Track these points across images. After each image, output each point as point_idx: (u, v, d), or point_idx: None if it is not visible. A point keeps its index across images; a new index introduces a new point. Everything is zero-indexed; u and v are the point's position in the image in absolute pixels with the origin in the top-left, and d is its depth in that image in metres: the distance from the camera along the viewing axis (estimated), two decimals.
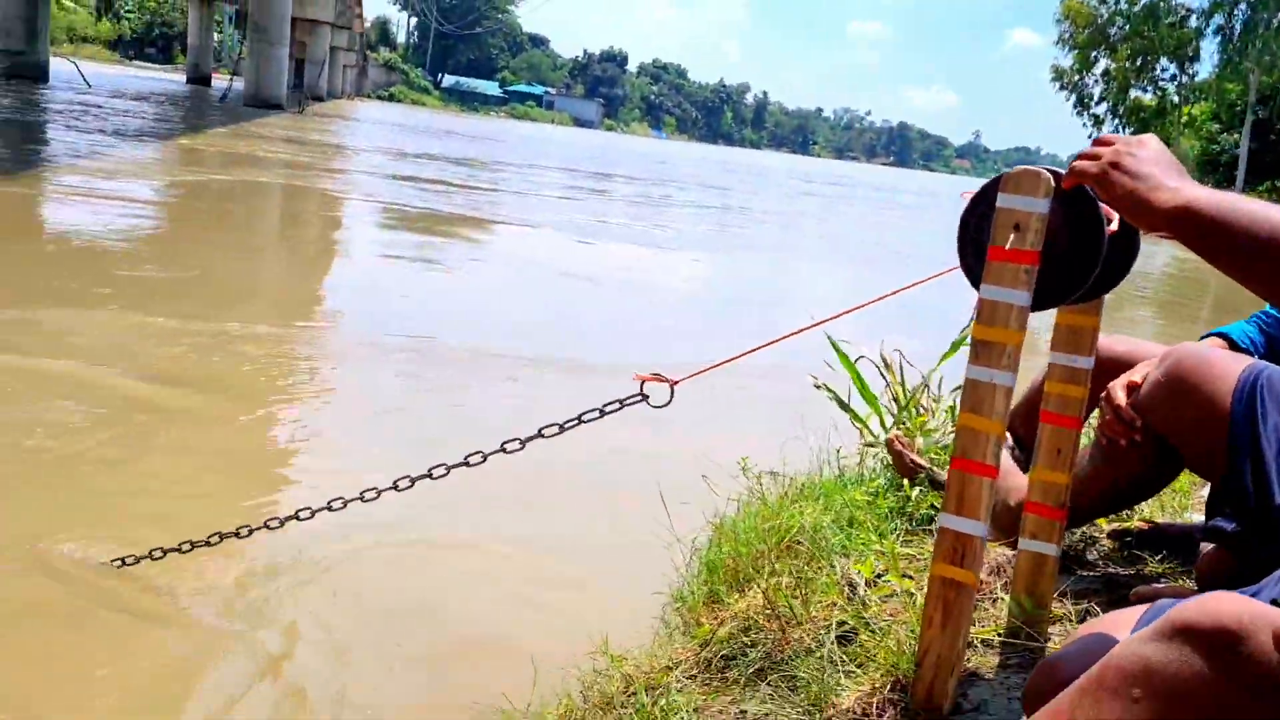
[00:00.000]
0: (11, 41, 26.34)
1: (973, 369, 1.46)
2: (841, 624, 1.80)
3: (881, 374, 2.95)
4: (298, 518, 2.28)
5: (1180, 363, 1.65)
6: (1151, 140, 1.28)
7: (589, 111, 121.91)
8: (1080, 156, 1.32)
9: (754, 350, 1.96)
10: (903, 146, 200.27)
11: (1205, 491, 2.03)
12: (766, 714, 1.66)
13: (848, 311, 1.99)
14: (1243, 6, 38.55)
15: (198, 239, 8.38)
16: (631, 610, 2.40)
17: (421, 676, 2.26)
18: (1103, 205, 1.40)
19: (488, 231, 11.80)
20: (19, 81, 25.24)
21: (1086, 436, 1.94)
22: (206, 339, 4.77)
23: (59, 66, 29.16)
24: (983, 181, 1.51)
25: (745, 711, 1.68)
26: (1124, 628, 1.16)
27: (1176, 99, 42.33)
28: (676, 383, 1.89)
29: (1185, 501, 2.44)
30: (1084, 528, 2.21)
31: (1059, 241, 1.43)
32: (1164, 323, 11.02)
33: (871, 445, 2.77)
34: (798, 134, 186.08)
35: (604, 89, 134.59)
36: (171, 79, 46.66)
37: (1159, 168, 1.22)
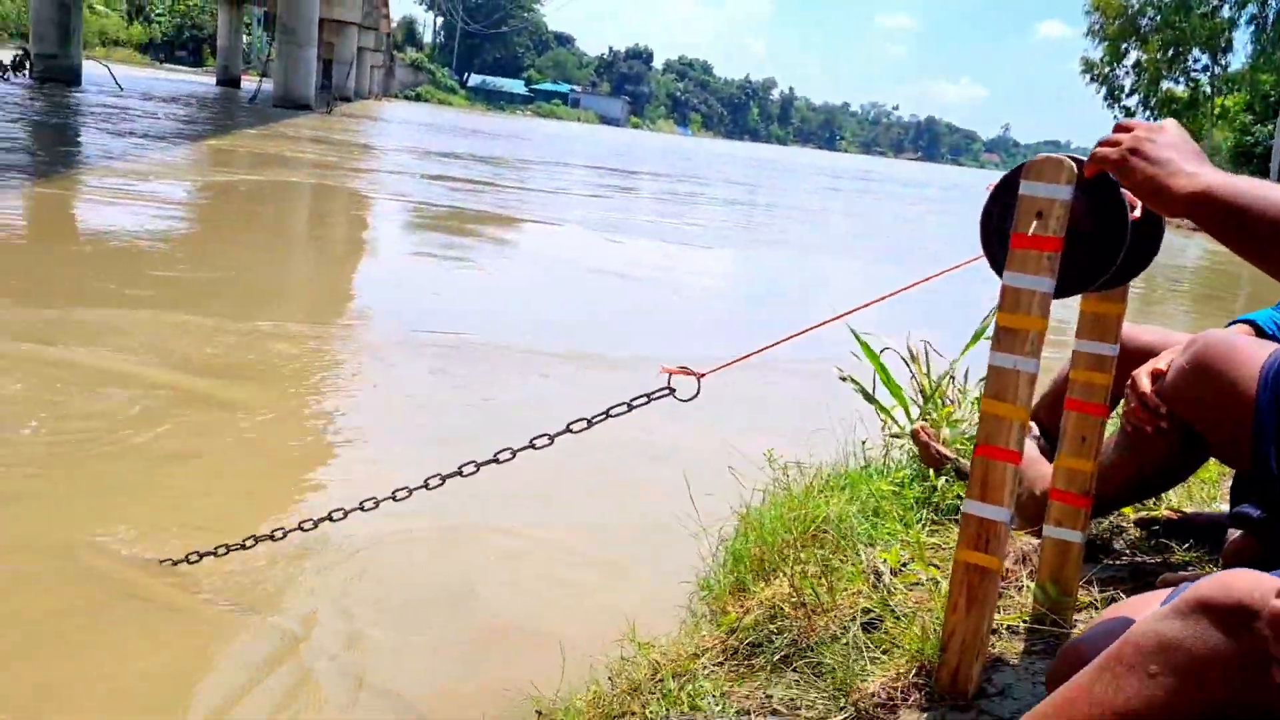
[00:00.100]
0: (45, 46, 26.72)
1: (996, 356, 1.47)
2: (867, 611, 1.81)
3: (907, 365, 2.95)
4: (330, 518, 2.31)
5: (1205, 349, 1.65)
6: (1171, 125, 1.28)
7: (615, 109, 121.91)
8: (1101, 143, 1.33)
9: (779, 343, 1.98)
10: (930, 141, 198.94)
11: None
12: (792, 699, 1.68)
13: (872, 303, 2.00)
14: None
15: (230, 239, 8.48)
16: (658, 599, 2.43)
17: (451, 662, 2.30)
18: (1126, 192, 1.41)
19: (516, 229, 11.86)
20: (53, 85, 25.61)
21: (1112, 425, 1.94)
22: (242, 338, 4.83)
23: (92, 70, 29.53)
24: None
25: (771, 697, 1.70)
26: (1148, 611, 1.17)
27: (1209, 90, 41.79)
28: (703, 376, 1.91)
29: (1214, 491, 2.43)
30: (1111, 517, 2.21)
31: (1082, 228, 1.44)
32: (1197, 315, 10.90)
33: (897, 436, 2.77)
34: (824, 129, 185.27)
35: (630, 86, 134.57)
36: (201, 81, 47.14)
37: (1178, 153, 1.23)
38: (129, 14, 69.95)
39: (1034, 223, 1.43)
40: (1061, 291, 1.47)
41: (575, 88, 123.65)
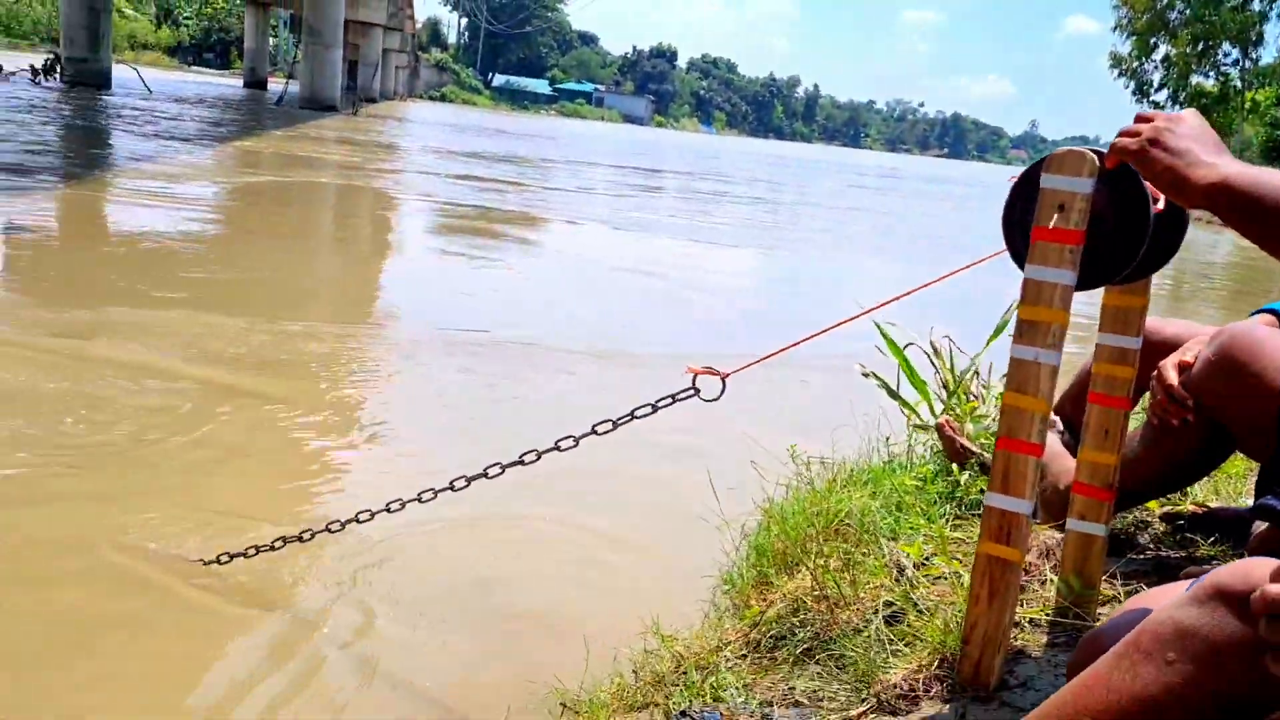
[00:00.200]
0: (75, 50, 27.07)
1: (1017, 348, 1.48)
2: (889, 604, 1.82)
3: (930, 360, 2.95)
4: (358, 520, 2.32)
5: (1231, 342, 1.64)
6: (1190, 116, 1.28)
7: (639, 108, 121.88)
8: (1121, 134, 1.33)
9: (803, 341, 1.99)
10: (957, 138, 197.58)
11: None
12: (815, 691, 1.69)
13: (896, 299, 2.00)
14: None
15: (259, 240, 8.56)
16: (682, 592, 2.44)
17: (475, 654, 2.32)
18: (1149, 185, 1.41)
19: (540, 228, 11.90)
20: (83, 88, 25.93)
21: (1136, 419, 1.94)
22: (272, 337, 4.88)
23: (121, 73, 29.89)
24: None
25: (794, 688, 1.71)
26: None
27: (1239, 84, 41.28)
28: (727, 375, 1.92)
29: (1240, 486, 2.42)
30: (1136, 511, 2.20)
31: (1105, 221, 1.44)
32: (1227, 312, 10.79)
33: (921, 428, 2.77)
34: (849, 127, 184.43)
35: (654, 85, 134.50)
36: (229, 83, 47.57)
37: (1197, 143, 1.23)
38: (157, 18, 70.71)
39: (1055, 216, 1.43)
40: (1083, 284, 1.47)
41: (599, 87, 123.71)
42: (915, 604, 1.79)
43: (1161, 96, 42.73)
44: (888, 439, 2.84)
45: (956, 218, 23.15)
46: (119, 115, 19.89)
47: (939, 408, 2.83)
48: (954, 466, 2.42)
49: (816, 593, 1.93)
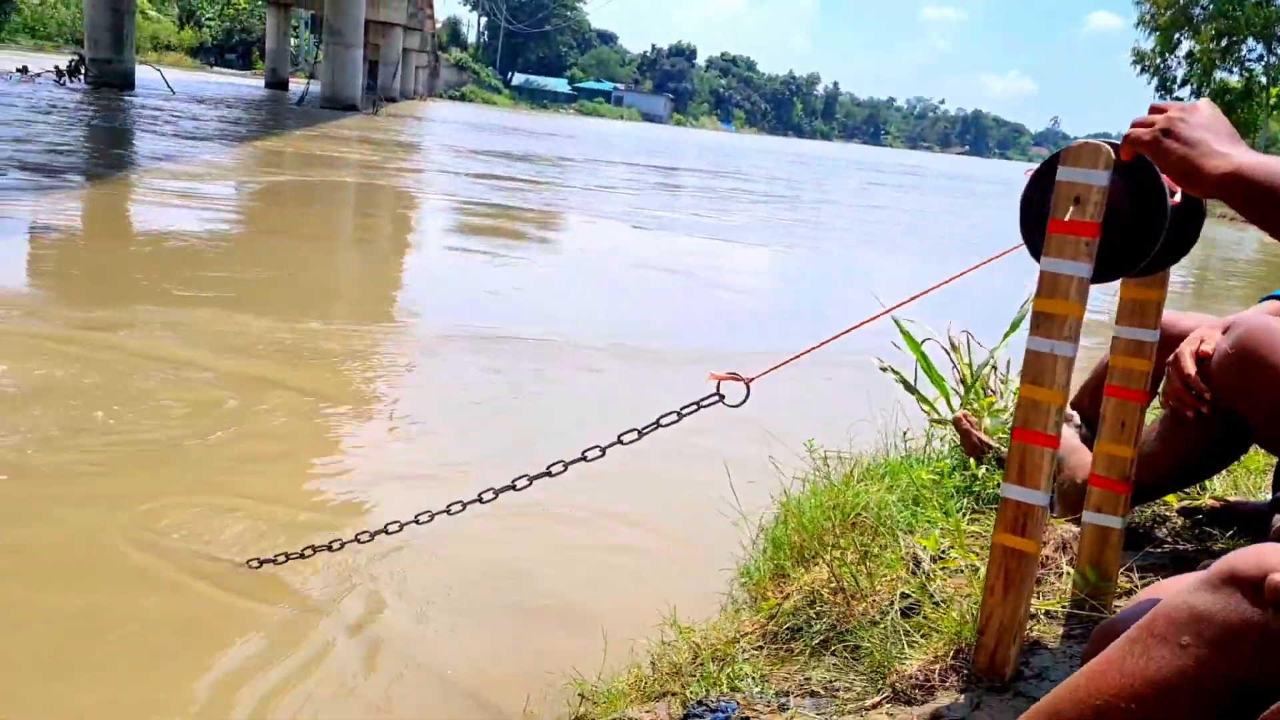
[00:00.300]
0: (99, 51, 27.32)
1: (1033, 340, 1.48)
2: (905, 597, 1.83)
3: (948, 355, 2.95)
4: (386, 531, 2.34)
5: (1248, 335, 1.64)
6: (1204, 105, 1.29)
7: (658, 106, 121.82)
8: (1135, 124, 1.33)
9: (826, 342, 2.00)
10: (978, 135, 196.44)
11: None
12: (831, 681, 1.70)
13: (916, 297, 2.01)
14: None
15: (282, 238, 8.62)
16: (699, 585, 2.45)
17: (496, 644, 2.34)
18: (1165, 177, 1.41)
19: (562, 226, 11.94)
20: (107, 89, 26.17)
21: (1153, 413, 1.93)
22: (299, 335, 4.92)
23: (144, 74, 30.10)
24: None
25: (810, 679, 1.72)
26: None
27: (1264, 80, 40.87)
28: (751, 381, 1.93)
29: (1260, 481, 2.41)
30: (1154, 505, 2.20)
31: (1121, 214, 1.44)
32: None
33: (939, 423, 2.78)
34: (869, 124, 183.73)
35: (672, 84, 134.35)
36: (250, 84, 47.87)
37: (1211, 133, 1.23)
38: (180, 19, 71.24)
39: (1071, 208, 1.43)
40: (1100, 277, 1.47)
41: (618, 86, 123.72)
42: (931, 596, 1.80)
43: (1185, 92, 42.34)
44: (905, 434, 2.85)
45: (977, 215, 23.04)
46: (142, 115, 20.06)
47: (956, 402, 2.84)
48: (971, 461, 2.42)
49: (833, 585, 1.95)
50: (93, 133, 15.93)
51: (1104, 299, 1.66)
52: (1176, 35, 41.98)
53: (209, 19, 73.41)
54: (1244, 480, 2.41)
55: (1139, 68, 43.52)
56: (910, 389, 2.91)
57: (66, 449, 3.23)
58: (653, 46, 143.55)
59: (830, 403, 4.46)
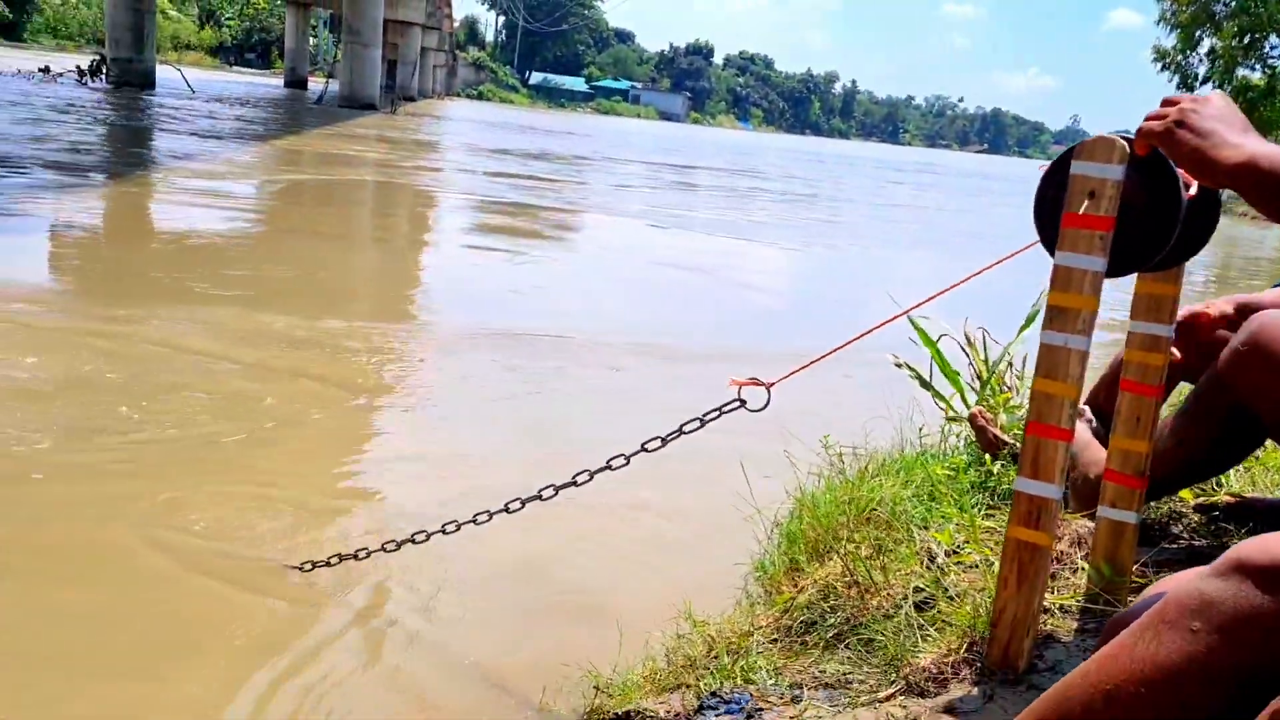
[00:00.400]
0: (121, 50, 27.53)
1: (1047, 334, 1.49)
2: (919, 591, 1.84)
3: (964, 351, 2.95)
4: (414, 540, 2.35)
5: (1262, 329, 1.64)
6: (1216, 97, 1.29)
7: (675, 105, 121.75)
8: (1148, 118, 1.34)
9: (846, 345, 2.00)
10: (997, 133, 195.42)
11: None
12: (844, 674, 1.71)
13: (933, 297, 2.02)
14: None
15: (302, 237, 8.68)
16: (714, 579, 2.47)
17: (512, 636, 2.36)
18: (1181, 173, 1.41)
19: (580, 224, 11.97)
20: (128, 88, 26.38)
21: (1167, 409, 1.93)
22: (319, 334, 4.95)
23: (164, 73, 30.32)
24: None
25: (824, 671, 1.73)
26: None
27: None
28: (771, 385, 1.94)
29: (1278, 478, 2.40)
30: (1170, 502, 2.19)
31: (1136, 208, 1.45)
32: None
33: (954, 420, 2.78)
34: (887, 123, 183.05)
35: (690, 82, 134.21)
36: (270, 83, 48.12)
37: (1223, 124, 1.23)
38: (200, 18, 71.70)
39: (1085, 202, 1.44)
40: (1114, 271, 1.47)
41: (635, 84, 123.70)
42: (945, 590, 1.80)
43: (1206, 90, 41.92)
44: (921, 430, 2.85)
45: (995, 213, 22.94)
46: (163, 115, 20.21)
47: (972, 399, 2.84)
48: (987, 457, 2.43)
49: (847, 579, 1.95)
50: (114, 131, 16.07)
51: (1125, 296, 1.67)
52: (1198, 32, 41.60)
53: (229, 19, 73.84)
54: (1262, 477, 2.40)
55: (1160, 65, 43.15)
56: (926, 385, 2.91)
57: (89, 443, 3.26)
58: (670, 45, 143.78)
59: (847, 400, 4.46)
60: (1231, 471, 2.29)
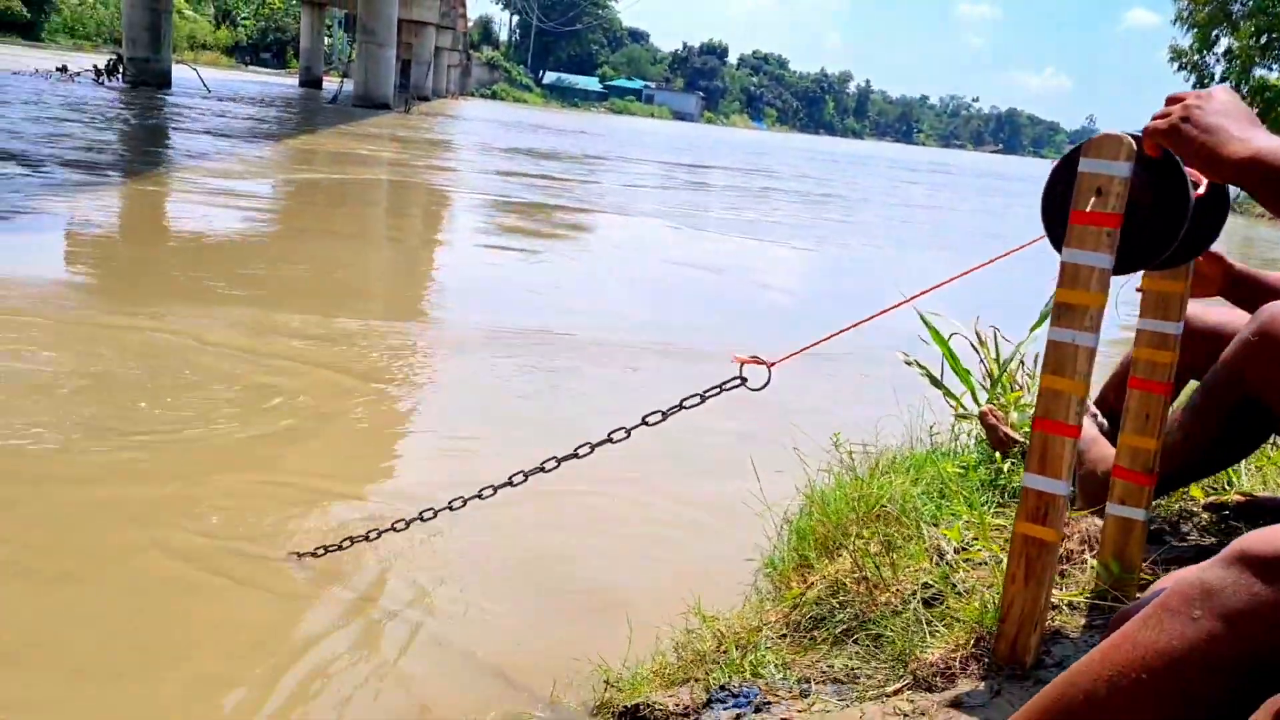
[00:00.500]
0: (137, 50, 27.70)
1: (1055, 331, 1.50)
2: (928, 587, 1.84)
3: (975, 349, 2.95)
4: (421, 518, 2.39)
5: (1273, 321, 1.64)
6: (1220, 92, 1.29)
7: (688, 105, 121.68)
8: (1154, 117, 1.34)
9: (848, 329, 2.02)
10: (1012, 133, 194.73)
11: None
12: (853, 669, 1.72)
13: (937, 286, 2.02)
14: None
15: (316, 235, 8.72)
16: (724, 575, 2.48)
17: (523, 629, 2.37)
18: (1190, 170, 1.42)
19: (595, 223, 11.99)
20: (145, 88, 26.54)
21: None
22: (334, 332, 4.98)
23: (181, 73, 30.48)
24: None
25: (832, 666, 1.74)
26: None
27: None
28: (774, 364, 1.96)
29: None
30: (1181, 501, 2.19)
31: (1144, 206, 1.45)
32: None
33: (964, 418, 2.78)
34: (901, 122, 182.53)
35: (703, 82, 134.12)
36: (285, 82, 48.32)
37: (1228, 119, 1.24)
38: (216, 18, 72.05)
39: (1093, 199, 1.44)
40: (1122, 268, 1.48)
41: (649, 84, 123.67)
42: (954, 587, 1.81)
43: None
44: (931, 428, 2.86)
45: (1010, 213, 22.86)
46: (179, 114, 20.33)
47: (983, 397, 2.84)
48: (997, 455, 2.43)
49: (856, 575, 1.96)
50: (131, 130, 16.17)
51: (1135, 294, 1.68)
52: (1215, 32, 41.33)
53: (244, 18, 74.18)
54: (1273, 476, 2.40)
55: (1176, 65, 42.90)
56: (936, 384, 2.92)
57: (107, 439, 3.30)
58: (684, 44, 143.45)
59: (858, 398, 4.47)
60: (1243, 470, 2.29)
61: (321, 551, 2.51)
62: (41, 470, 3.02)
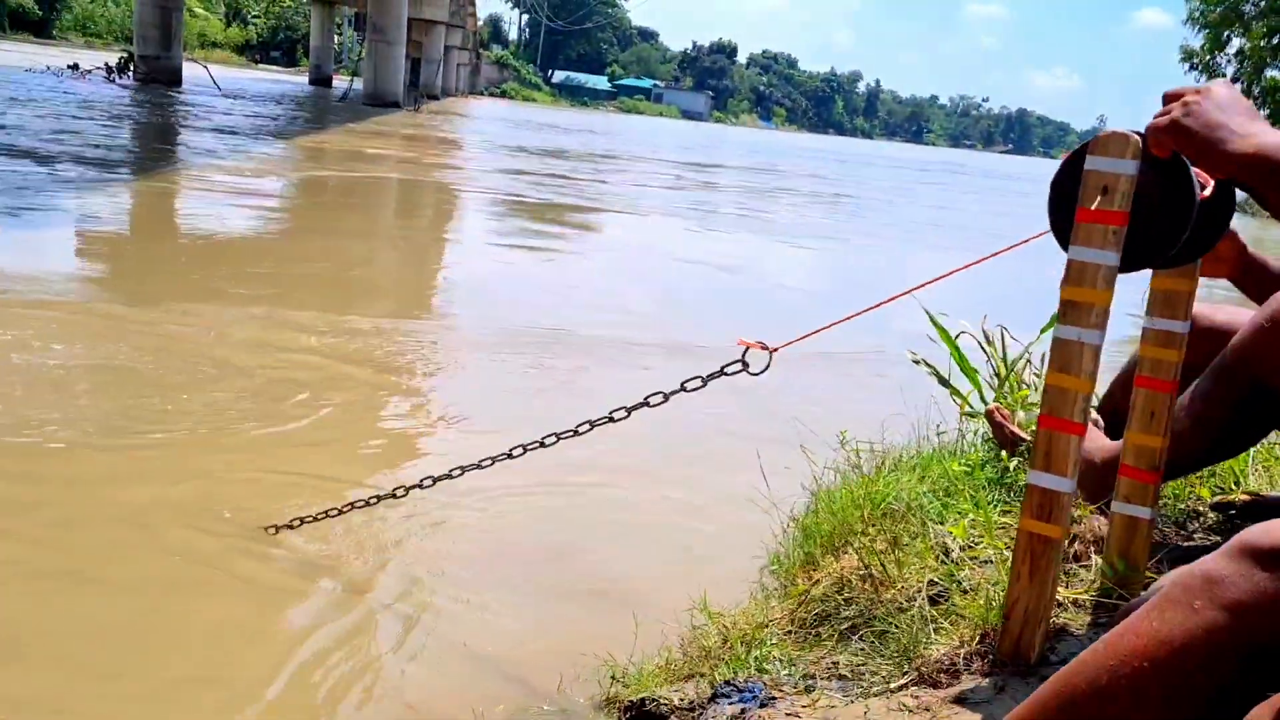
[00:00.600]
0: (148, 48, 27.81)
1: (1061, 329, 1.50)
2: (933, 584, 1.85)
3: (983, 348, 2.95)
4: (421, 485, 2.41)
5: None
6: (1219, 86, 1.29)
7: (698, 104, 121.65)
8: (1155, 117, 1.34)
9: (849, 318, 2.03)
10: (1022, 133, 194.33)
11: None
12: (858, 665, 1.72)
13: (941, 277, 2.03)
14: None
15: (326, 233, 8.74)
16: (730, 571, 2.49)
17: (529, 624, 2.39)
18: (1197, 170, 1.42)
19: (606, 222, 12.00)
20: (156, 85, 26.63)
21: None
22: (344, 329, 4.99)
23: (191, 71, 30.56)
24: None
25: (837, 663, 1.75)
26: None
27: None
28: (775, 350, 1.97)
29: None
30: (1187, 501, 2.20)
31: (1150, 204, 1.45)
32: None
33: (971, 416, 2.78)
34: (911, 122, 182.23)
35: (713, 81, 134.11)
36: (295, 81, 48.42)
37: (1228, 114, 1.23)
38: (227, 17, 72.23)
39: (1099, 197, 1.45)
40: (1127, 266, 1.48)
41: (658, 83, 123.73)
42: (959, 584, 1.81)
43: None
44: (938, 427, 2.86)
45: (1020, 214, 22.80)
46: (190, 111, 20.40)
47: (990, 396, 2.84)
48: (1003, 453, 2.43)
49: (862, 572, 1.97)
50: (142, 128, 16.24)
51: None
52: (1226, 32, 41.15)
53: (255, 17, 74.32)
54: None
55: (1187, 65, 42.74)
56: (944, 382, 2.92)
57: (121, 434, 3.32)
58: (693, 44, 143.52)
59: (866, 397, 4.47)
60: (1250, 471, 2.29)
61: (323, 515, 2.53)
62: (49, 461, 3.04)
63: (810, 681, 1.69)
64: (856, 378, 4.98)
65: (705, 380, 2.04)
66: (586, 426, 2.15)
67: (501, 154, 21.22)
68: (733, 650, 1.87)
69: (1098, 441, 1.99)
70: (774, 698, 1.65)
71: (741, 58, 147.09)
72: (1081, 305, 1.47)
